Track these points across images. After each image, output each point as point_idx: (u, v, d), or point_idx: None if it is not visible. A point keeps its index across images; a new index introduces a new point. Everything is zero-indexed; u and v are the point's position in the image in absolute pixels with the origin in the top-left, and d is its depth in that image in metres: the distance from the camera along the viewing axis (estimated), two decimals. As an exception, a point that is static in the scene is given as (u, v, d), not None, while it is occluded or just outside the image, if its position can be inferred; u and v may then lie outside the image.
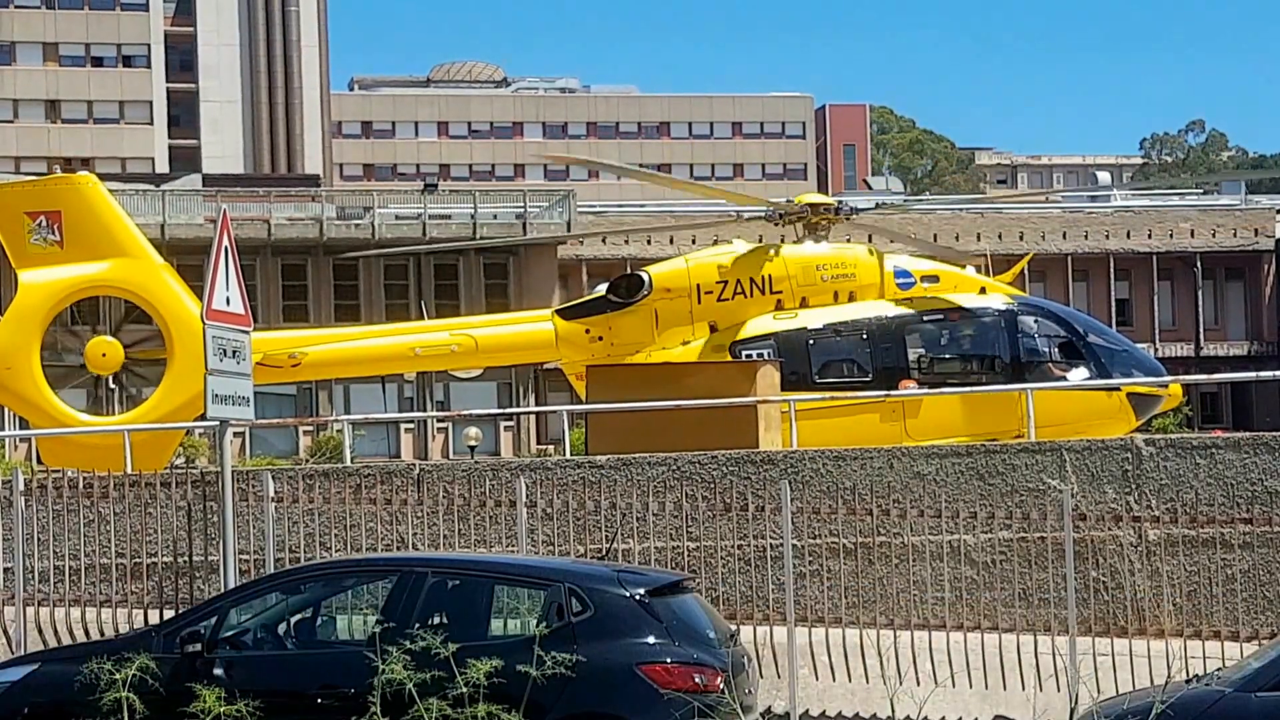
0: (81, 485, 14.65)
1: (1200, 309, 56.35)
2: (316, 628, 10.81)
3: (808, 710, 13.23)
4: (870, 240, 21.25)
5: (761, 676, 12.53)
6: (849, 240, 21.09)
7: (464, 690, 8.71)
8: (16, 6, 71.14)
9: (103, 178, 20.96)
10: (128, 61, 72.40)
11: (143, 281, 18.92)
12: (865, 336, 19.48)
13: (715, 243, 23.81)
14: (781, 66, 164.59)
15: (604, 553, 13.14)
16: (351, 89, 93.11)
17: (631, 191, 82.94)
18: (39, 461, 25.32)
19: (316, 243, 50.49)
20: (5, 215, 18.82)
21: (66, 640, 13.89)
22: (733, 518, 14.04)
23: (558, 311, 20.81)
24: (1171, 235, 56.33)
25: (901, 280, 19.97)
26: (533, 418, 48.59)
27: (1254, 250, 56.81)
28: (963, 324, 19.80)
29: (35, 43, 71.73)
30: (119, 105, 72.29)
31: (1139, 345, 25.96)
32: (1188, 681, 10.04)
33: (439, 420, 48.30)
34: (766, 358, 18.73)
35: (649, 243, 50.80)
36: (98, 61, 72.21)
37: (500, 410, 48.04)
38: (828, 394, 18.76)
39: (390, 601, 10.25)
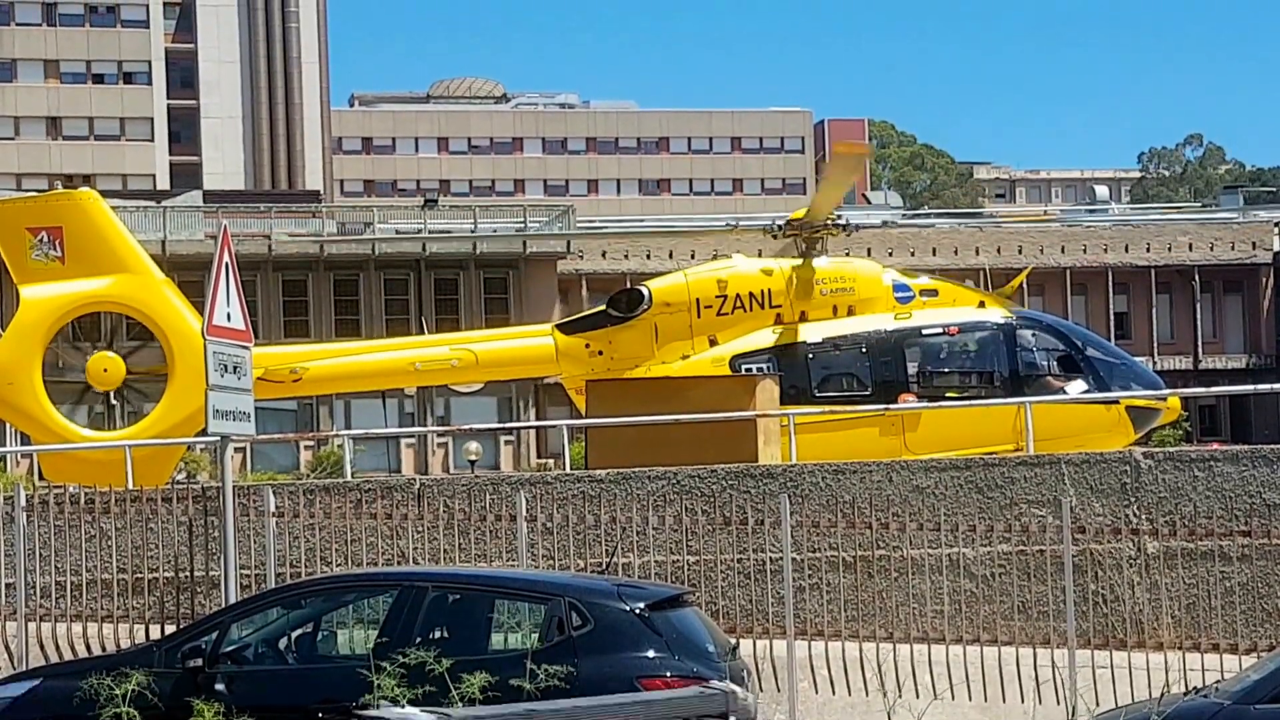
0: (83, 501, 14.68)
1: (1198, 322, 56.41)
2: (317, 642, 10.83)
3: (807, 724, 13.25)
4: (869, 254, 21.29)
5: (761, 690, 12.55)
6: (848, 254, 21.14)
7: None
8: (18, 24, 71.34)
9: (104, 194, 21.02)
10: (128, 78, 72.57)
11: (144, 297, 18.96)
12: (864, 350, 19.53)
13: (715, 257, 23.85)
14: (781, 81, 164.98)
15: (604, 567, 13.17)
16: (352, 105, 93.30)
17: (631, 206, 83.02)
18: (41, 477, 25.33)
19: (317, 258, 50.59)
20: (7, 231, 18.87)
21: (68, 655, 13.91)
22: (732, 531, 14.07)
23: (558, 326, 20.85)
24: (1170, 249, 56.41)
25: (900, 294, 20.03)
26: (533, 432, 48.62)
27: (1252, 264, 56.88)
28: (961, 338, 19.85)
29: (36, 60, 71.92)
30: (120, 122, 72.44)
31: (1137, 358, 26.00)
32: (1186, 694, 10.06)
33: (439, 435, 48.32)
34: (766, 372, 18.78)
35: (649, 257, 50.86)
36: (99, 78, 72.38)
37: (500, 425, 48.07)
38: (827, 408, 18.79)
39: (391, 616, 10.27)
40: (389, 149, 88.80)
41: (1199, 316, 56.40)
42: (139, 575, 14.48)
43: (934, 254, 52.41)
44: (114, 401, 21.60)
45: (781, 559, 13.49)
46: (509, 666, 9.48)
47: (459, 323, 47.86)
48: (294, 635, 10.64)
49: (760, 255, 21.60)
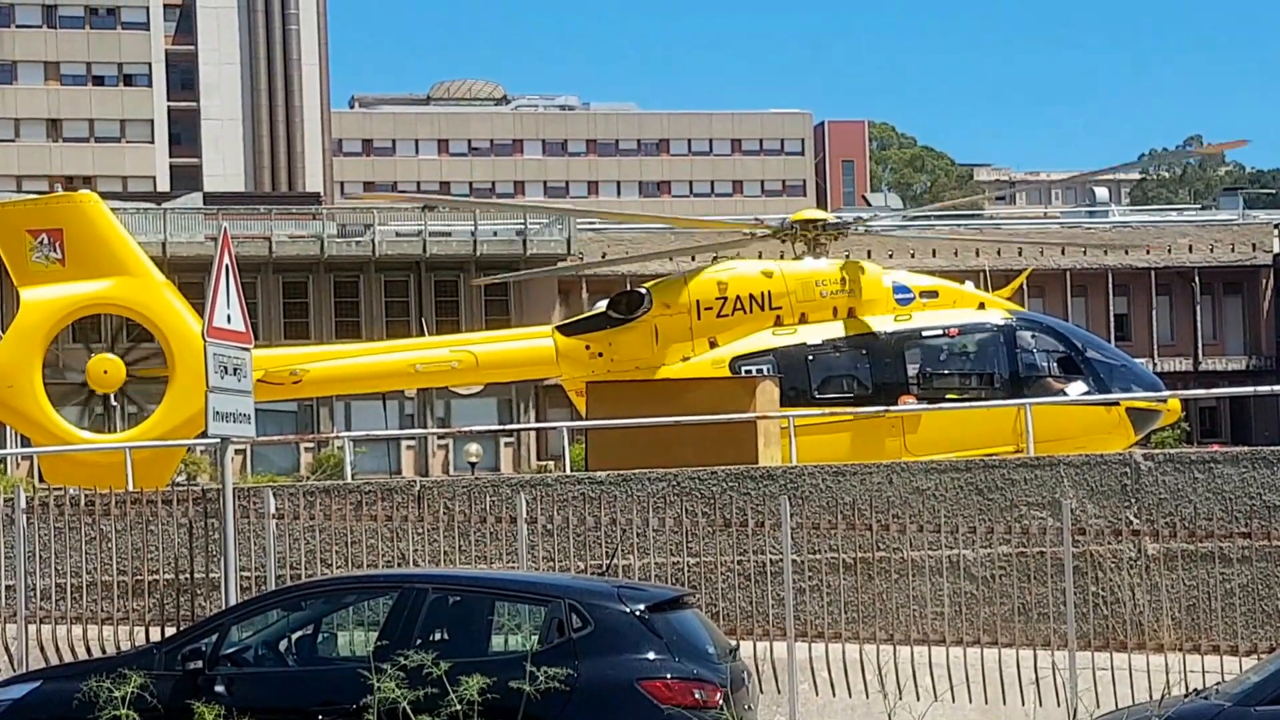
0: (83, 503, 14.68)
1: (1199, 324, 56.40)
2: (317, 644, 10.83)
3: (808, 725, 13.25)
4: (869, 256, 21.29)
5: (761, 692, 12.55)
6: (848, 256, 21.14)
7: (459, 707, 8.73)
8: (18, 26, 71.38)
9: (104, 196, 21.03)
10: (129, 80, 72.58)
11: (144, 299, 18.97)
12: (864, 352, 19.53)
13: (715, 259, 23.85)
14: (781, 83, 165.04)
15: (604, 568, 13.18)
16: (352, 107, 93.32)
17: (631, 209, 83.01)
18: (41, 479, 25.35)
19: (317, 260, 50.60)
20: (7, 233, 18.88)
21: (69, 658, 13.90)
22: (732, 533, 14.07)
23: (558, 328, 20.86)
24: (1170, 250, 56.41)
25: (900, 296, 20.04)
26: (533, 434, 48.62)
27: (1252, 265, 56.87)
28: (961, 339, 19.86)
29: (36, 62, 71.94)
30: (120, 124, 72.46)
31: (1137, 360, 26.01)
32: (1187, 696, 10.06)
33: (439, 437, 48.32)
34: (766, 373, 18.79)
35: (649, 259, 50.81)
36: (99, 80, 72.39)
37: (501, 427, 48.08)
38: (827, 409, 18.80)
39: (391, 618, 10.28)
40: (389, 151, 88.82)
41: (1199, 318, 56.39)
42: (139, 577, 14.48)
43: (934, 255, 52.42)
44: (114, 403, 21.60)
45: (782, 561, 13.49)
46: (509, 668, 9.48)
47: (459, 324, 47.86)
48: (294, 637, 10.64)
49: (761, 257, 21.61)
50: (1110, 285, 55.92)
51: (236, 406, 11.83)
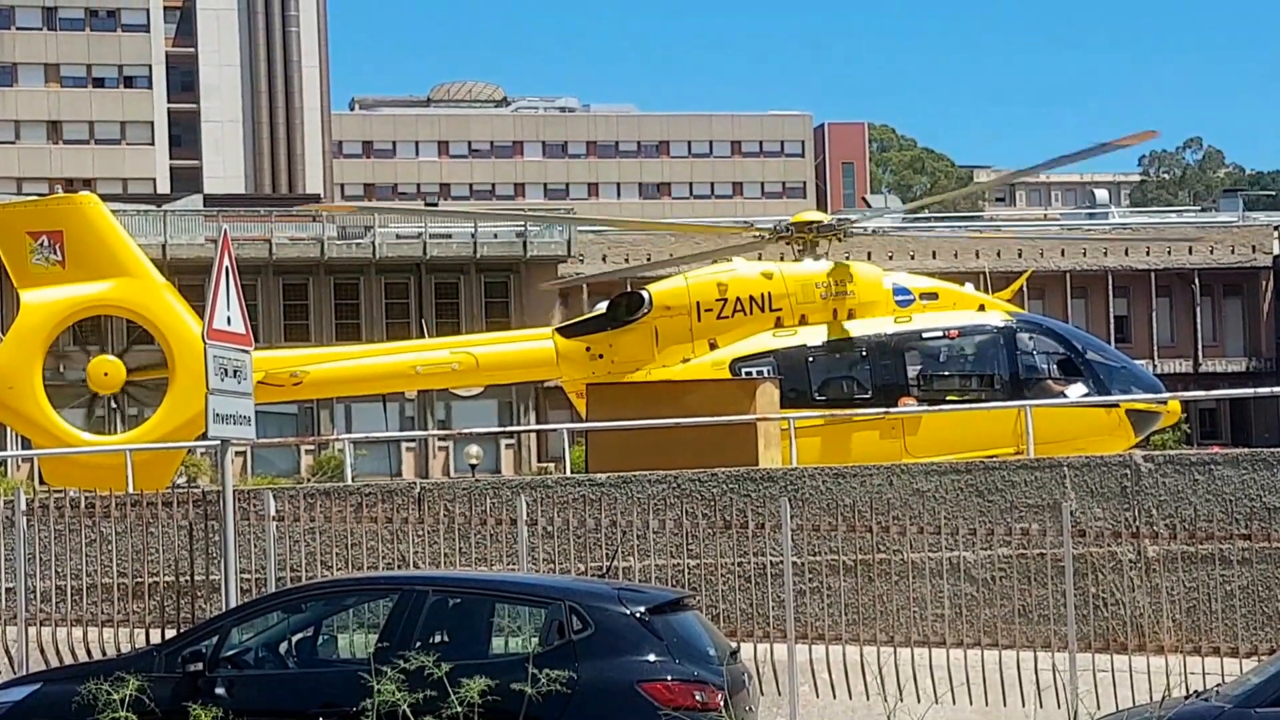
0: (83, 505, 14.68)
1: (1199, 325, 56.41)
2: (318, 646, 10.83)
3: (808, 727, 13.24)
4: (869, 258, 21.30)
5: (762, 694, 12.55)
6: (848, 258, 21.15)
7: (459, 709, 8.73)
8: (18, 28, 71.41)
9: (104, 198, 21.04)
10: (129, 82, 72.60)
11: (144, 301, 18.99)
12: (864, 354, 19.54)
13: (714, 261, 23.88)
14: (780, 84, 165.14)
15: (604, 570, 13.18)
16: (352, 109, 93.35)
17: (631, 210, 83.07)
18: (41, 481, 25.35)
19: (317, 262, 50.62)
20: (7, 235, 18.90)
21: (68, 660, 13.90)
22: (733, 535, 14.08)
23: (558, 329, 20.87)
24: (1170, 252, 56.43)
25: (900, 298, 20.05)
26: (533, 436, 48.63)
27: (1252, 267, 56.89)
28: (961, 341, 19.88)
29: (37, 64, 71.97)
30: (120, 126, 72.47)
31: (1137, 362, 26.03)
32: (1187, 698, 10.06)
33: (440, 439, 48.33)
34: (766, 375, 18.80)
35: (649, 260, 50.89)
36: (99, 82, 72.42)
37: (501, 428, 48.10)
38: (827, 411, 18.81)
39: (391, 620, 10.28)
40: (389, 153, 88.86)
41: (1199, 320, 56.40)
42: (139, 580, 14.48)
43: (934, 257, 52.43)
44: (114, 405, 21.62)
45: (782, 562, 13.49)
46: (509, 670, 9.49)
47: (459, 326, 47.87)
48: (294, 639, 10.64)
49: (760, 259, 21.61)
50: (1110, 287, 55.93)
51: (237, 408, 11.83)
